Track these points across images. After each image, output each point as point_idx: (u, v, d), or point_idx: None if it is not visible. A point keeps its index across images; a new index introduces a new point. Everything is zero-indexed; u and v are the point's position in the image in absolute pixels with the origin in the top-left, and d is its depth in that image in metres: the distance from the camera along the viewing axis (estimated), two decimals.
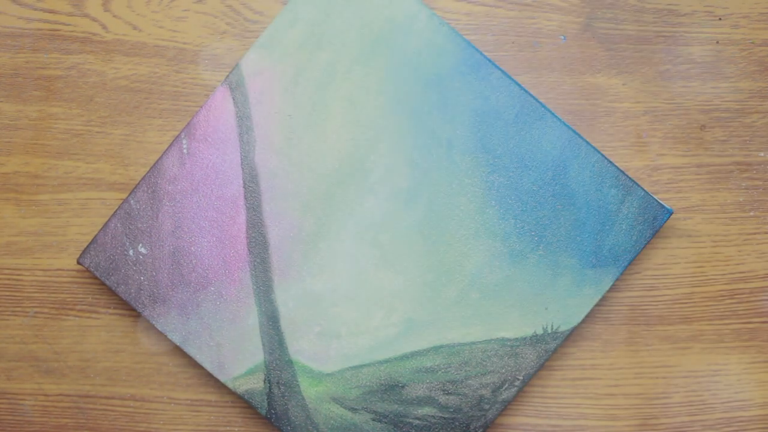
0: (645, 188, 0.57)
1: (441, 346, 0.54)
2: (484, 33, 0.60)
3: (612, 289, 0.59)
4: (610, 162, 0.55)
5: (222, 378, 0.54)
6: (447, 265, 0.54)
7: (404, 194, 0.55)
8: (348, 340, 0.54)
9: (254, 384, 0.54)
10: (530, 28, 0.60)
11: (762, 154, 0.59)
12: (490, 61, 0.55)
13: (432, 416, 0.54)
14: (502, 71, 0.55)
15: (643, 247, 0.56)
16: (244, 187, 0.55)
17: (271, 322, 0.54)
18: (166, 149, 0.56)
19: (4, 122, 0.60)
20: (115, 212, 0.55)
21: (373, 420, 0.54)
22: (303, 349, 0.54)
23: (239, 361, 0.54)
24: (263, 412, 0.54)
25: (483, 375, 0.54)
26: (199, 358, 0.54)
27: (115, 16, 0.60)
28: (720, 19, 0.59)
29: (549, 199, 0.55)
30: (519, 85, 0.55)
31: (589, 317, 0.56)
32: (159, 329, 0.54)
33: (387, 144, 0.55)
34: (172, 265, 0.55)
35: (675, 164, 0.59)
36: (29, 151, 0.60)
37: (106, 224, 0.55)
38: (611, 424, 0.59)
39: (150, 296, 0.54)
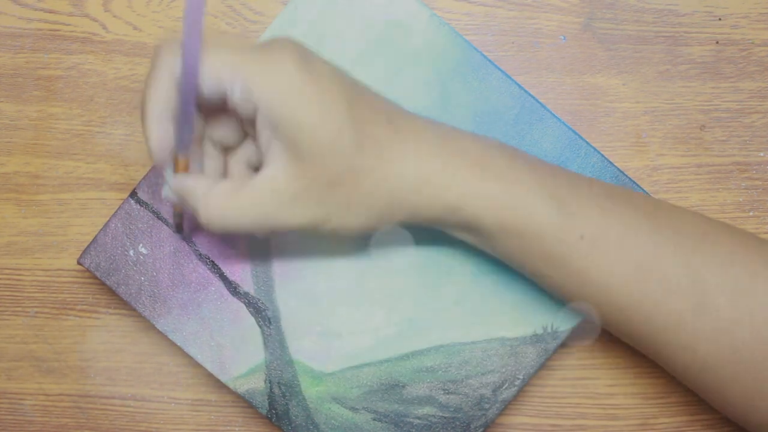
0: (645, 188, 0.57)
1: (441, 346, 0.54)
2: (484, 33, 0.60)
3: None
4: (610, 162, 0.55)
5: (223, 378, 0.54)
6: (447, 265, 0.55)
7: None
8: (349, 340, 0.54)
9: (255, 384, 0.54)
10: (530, 28, 0.60)
11: (762, 154, 0.59)
12: (490, 61, 0.55)
13: (432, 416, 0.54)
14: (502, 71, 0.55)
15: None
16: None
17: (272, 322, 0.54)
18: None
19: (4, 122, 0.60)
20: (115, 212, 0.55)
21: (374, 420, 0.54)
22: (304, 348, 0.54)
23: (240, 361, 0.54)
24: (264, 412, 0.54)
25: (483, 374, 0.54)
26: (200, 358, 0.54)
27: (115, 16, 0.60)
28: (720, 19, 0.60)
29: None
30: (519, 85, 0.55)
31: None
32: (159, 329, 0.54)
33: None
34: (173, 266, 0.55)
35: (675, 164, 0.59)
36: (29, 151, 0.60)
37: (106, 224, 0.55)
38: (611, 424, 0.59)
39: (150, 296, 0.54)
